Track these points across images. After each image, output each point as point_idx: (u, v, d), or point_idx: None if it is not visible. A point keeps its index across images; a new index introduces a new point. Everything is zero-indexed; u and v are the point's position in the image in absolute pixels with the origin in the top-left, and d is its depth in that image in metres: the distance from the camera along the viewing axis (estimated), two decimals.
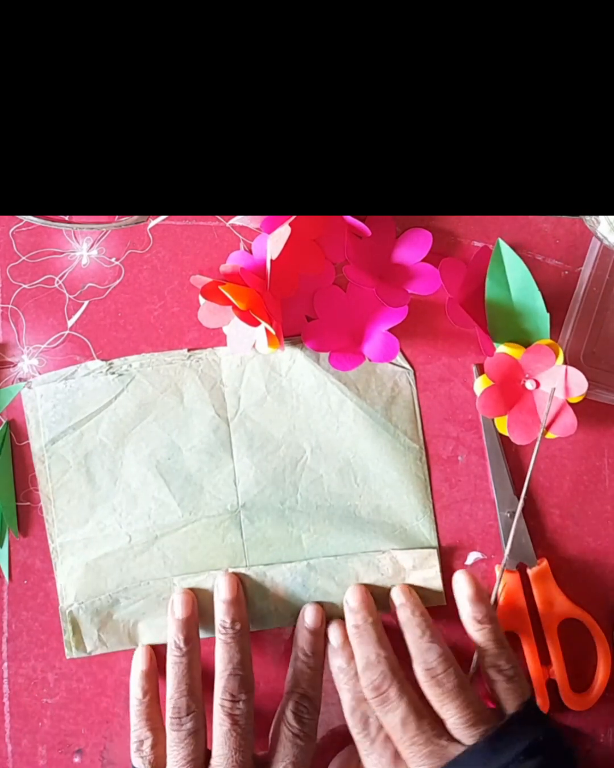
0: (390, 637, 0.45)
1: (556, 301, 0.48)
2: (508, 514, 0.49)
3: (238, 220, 0.49)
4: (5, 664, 0.49)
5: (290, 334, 0.49)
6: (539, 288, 0.47)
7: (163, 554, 0.49)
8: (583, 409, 0.47)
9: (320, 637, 0.47)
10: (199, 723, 0.44)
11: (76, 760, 0.49)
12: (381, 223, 0.49)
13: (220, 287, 0.44)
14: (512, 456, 0.49)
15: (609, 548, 0.50)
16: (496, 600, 0.47)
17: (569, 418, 0.46)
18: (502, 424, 0.47)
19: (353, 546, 0.49)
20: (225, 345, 0.49)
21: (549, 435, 0.47)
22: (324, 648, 0.47)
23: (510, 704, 0.42)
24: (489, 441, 0.49)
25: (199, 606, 0.48)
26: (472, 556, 0.48)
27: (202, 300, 0.46)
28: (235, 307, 0.44)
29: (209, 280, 0.45)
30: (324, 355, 0.49)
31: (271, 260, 0.45)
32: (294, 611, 0.49)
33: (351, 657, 0.45)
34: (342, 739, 0.48)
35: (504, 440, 0.49)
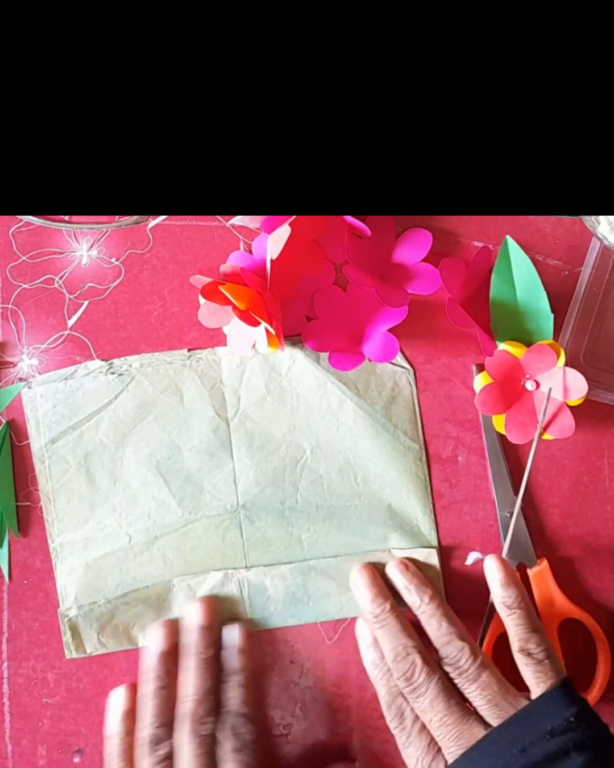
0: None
1: (556, 301, 0.48)
2: (508, 514, 0.49)
3: (238, 220, 0.49)
4: (5, 664, 0.49)
5: (290, 334, 0.49)
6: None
7: (163, 554, 0.49)
8: (583, 409, 0.47)
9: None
10: (171, 749, 0.44)
11: (76, 760, 0.49)
12: (381, 223, 0.49)
13: (220, 287, 0.44)
14: (512, 456, 0.49)
15: (609, 548, 0.50)
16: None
17: (567, 420, 0.46)
18: (500, 424, 0.47)
19: (353, 546, 0.49)
20: (225, 345, 0.49)
21: (547, 436, 0.47)
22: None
23: (540, 687, 0.42)
24: (489, 441, 0.49)
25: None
26: (472, 556, 0.48)
27: (202, 300, 0.46)
28: (235, 307, 0.44)
29: (209, 280, 0.45)
30: (324, 355, 0.49)
31: (271, 260, 0.45)
32: (294, 612, 0.49)
33: (381, 655, 0.45)
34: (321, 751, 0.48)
35: (504, 440, 0.49)
